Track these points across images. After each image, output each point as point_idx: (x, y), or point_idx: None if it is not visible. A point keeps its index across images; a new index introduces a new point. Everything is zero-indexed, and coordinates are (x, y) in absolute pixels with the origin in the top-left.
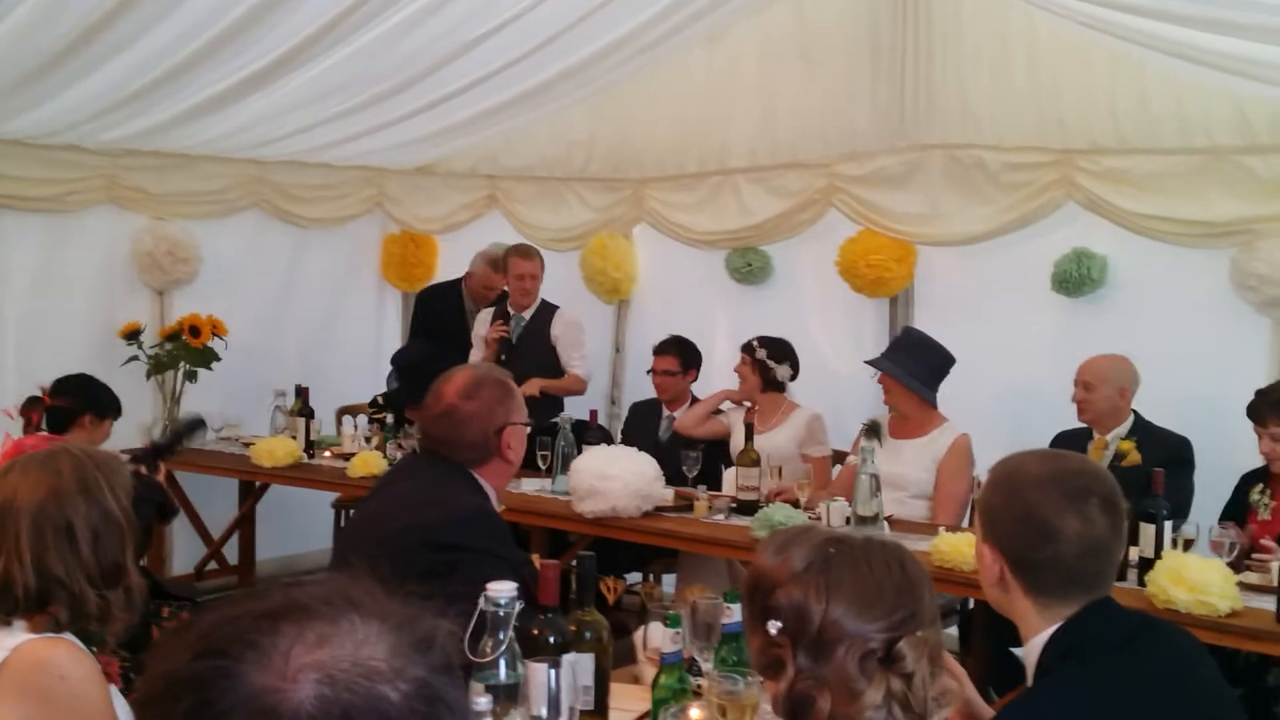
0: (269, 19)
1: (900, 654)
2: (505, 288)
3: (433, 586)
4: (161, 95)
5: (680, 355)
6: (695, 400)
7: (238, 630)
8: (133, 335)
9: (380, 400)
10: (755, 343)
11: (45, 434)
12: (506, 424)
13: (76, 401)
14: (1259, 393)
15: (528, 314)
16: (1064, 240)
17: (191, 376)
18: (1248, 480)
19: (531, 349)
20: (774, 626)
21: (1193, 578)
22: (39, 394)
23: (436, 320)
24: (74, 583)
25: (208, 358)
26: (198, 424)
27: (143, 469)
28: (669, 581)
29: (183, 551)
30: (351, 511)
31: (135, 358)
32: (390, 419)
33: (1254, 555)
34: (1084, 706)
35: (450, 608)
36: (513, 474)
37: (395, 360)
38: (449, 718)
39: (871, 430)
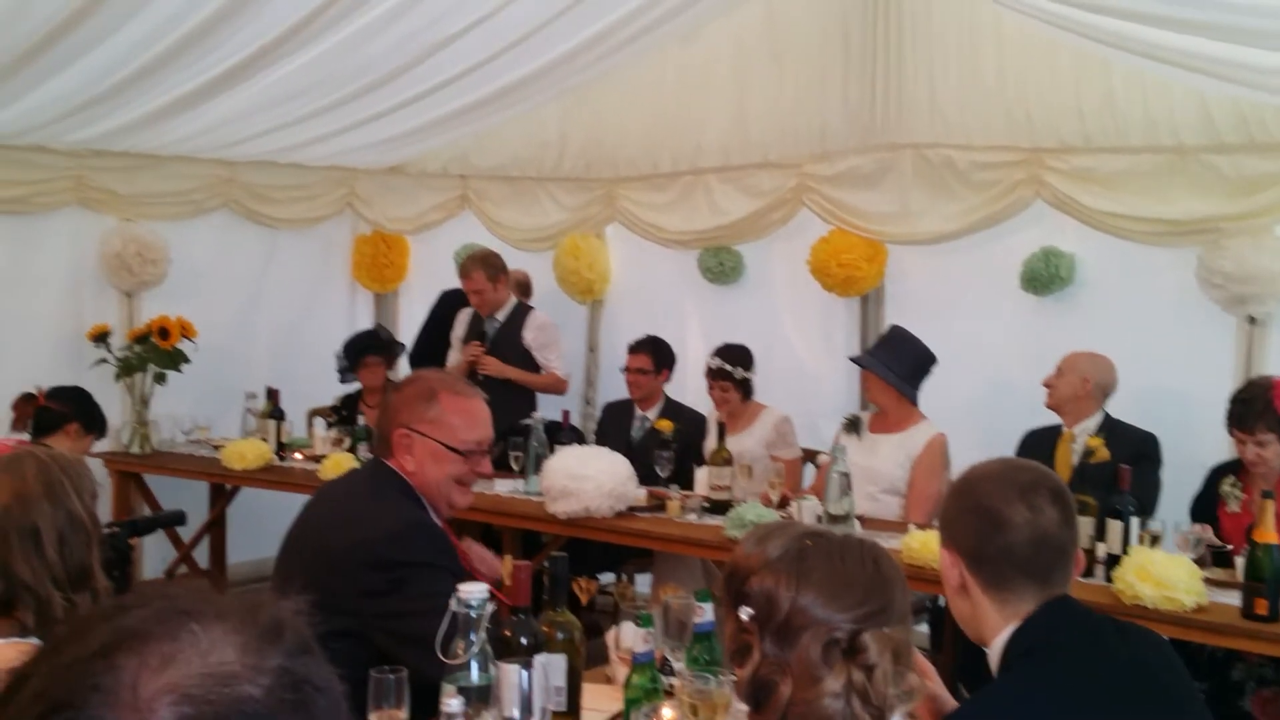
0: (239, 18)
1: (864, 645)
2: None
3: (381, 604)
4: (130, 95)
5: (654, 355)
6: (669, 401)
7: (75, 678)
8: (101, 338)
9: (339, 404)
10: (727, 365)
11: (18, 438)
12: (405, 425)
13: (69, 408)
14: (1240, 400)
15: (501, 315)
16: (1032, 239)
17: (160, 379)
18: (1218, 472)
19: (503, 351)
20: (745, 613)
21: (1159, 573)
22: (34, 392)
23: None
24: (40, 587)
25: (177, 360)
26: (180, 517)
27: (116, 529)
28: (643, 581)
29: (153, 555)
30: None
31: (104, 360)
32: (361, 421)
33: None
34: (1040, 702)
35: (405, 623)
36: (434, 488)
37: (346, 345)
38: (319, 696)
39: (852, 425)
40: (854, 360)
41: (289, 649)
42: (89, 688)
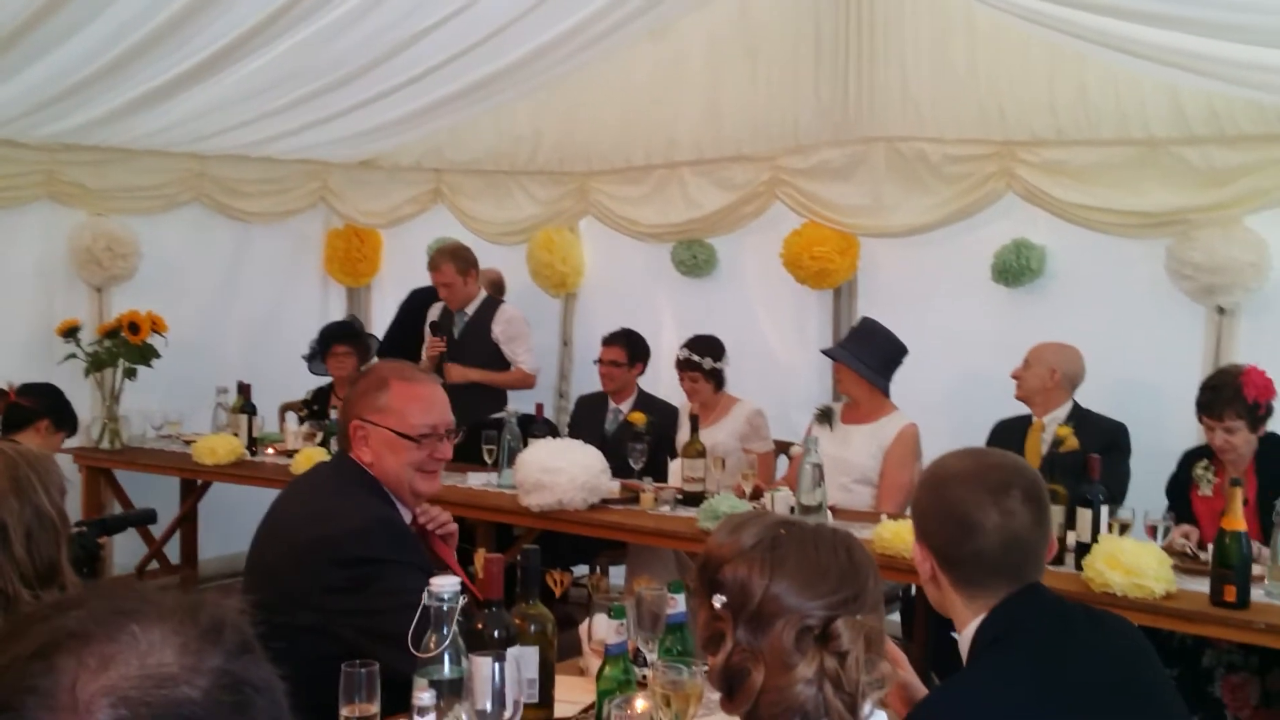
0: (209, 11)
1: (836, 632)
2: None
3: (347, 601)
4: (100, 89)
5: (628, 347)
6: (642, 393)
7: (12, 679)
8: (71, 332)
9: (310, 398)
10: (695, 356)
11: None
12: (358, 417)
13: (40, 404)
14: (1210, 388)
15: (470, 309)
16: (1004, 231)
17: (131, 374)
18: (1191, 456)
19: (472, 345)
20: (718, 600)
21: (1128, 561)
22: (4, 388)
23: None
24: (7, 583)
25: (147, 355)
26: (150, 515)
27: (85, 528)
28: (617, 573)
29: (124, 551)
30: None
31: (73, 355)
32: (333, 414)
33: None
34: (1007, 689)
35: (373, 620)
36: (394, 478)
37: (319, 333)
38: (258, 697)
39: (824, 415)
40: (826, 353)
41: (228, 650)
42: (26, 689)
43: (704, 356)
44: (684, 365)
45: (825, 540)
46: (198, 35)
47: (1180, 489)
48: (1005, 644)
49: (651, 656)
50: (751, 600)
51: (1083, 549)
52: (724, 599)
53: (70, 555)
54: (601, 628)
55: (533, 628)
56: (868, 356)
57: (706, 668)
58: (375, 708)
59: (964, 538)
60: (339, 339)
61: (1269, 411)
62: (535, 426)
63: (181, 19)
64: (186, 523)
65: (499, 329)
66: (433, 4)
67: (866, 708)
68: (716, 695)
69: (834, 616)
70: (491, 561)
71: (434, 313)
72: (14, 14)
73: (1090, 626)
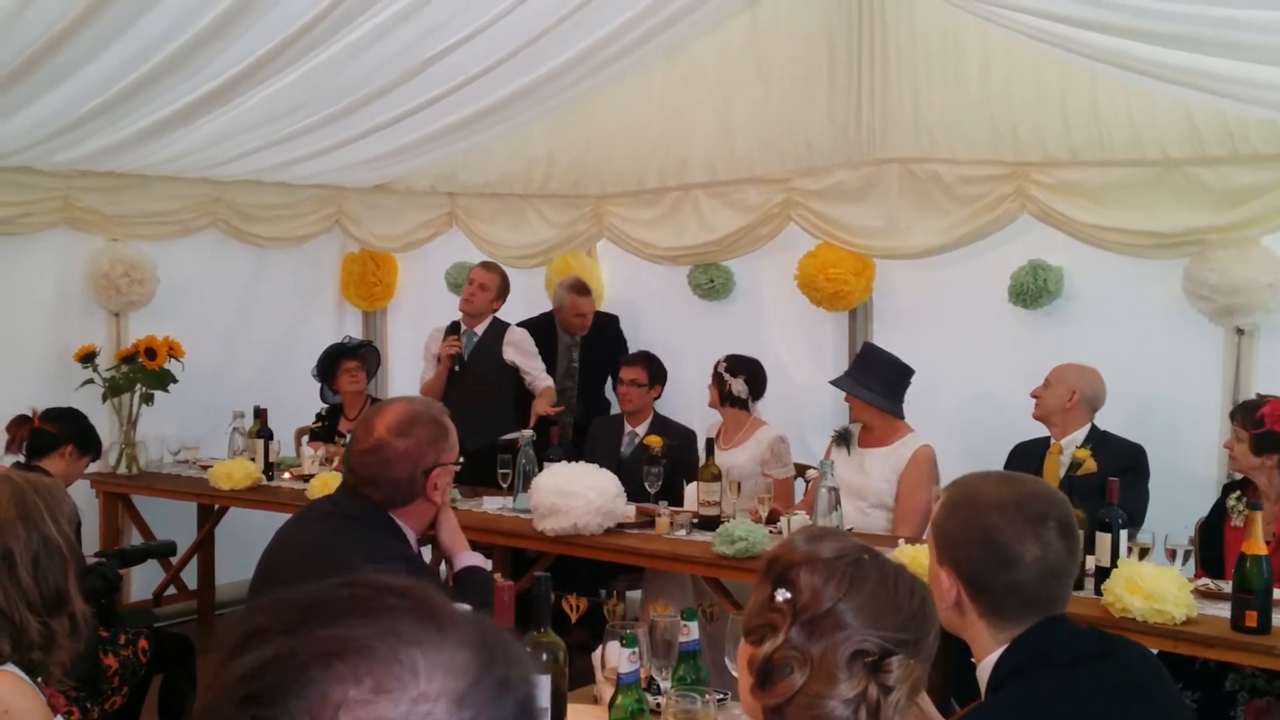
0: (224, 38)
1: (890, 666)
2: (583, 311)
3: None
4: (116, 116)
5: (648, 368)
6: (657, 416)
7: (284, 676)
8: (88, 358)
9: (323, 414)
10: (723, 359)
11: (12, 460)
12: (436, 464)
13: (64, 430)
14: (1245, 400)
15: (479, 330)
16: (1020, 252)
17: (148, 399)
18: (1227, 489)
19: (481, 365)
20: (782, 595)
21: (1148, 586)
22: (28, 414)
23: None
24: (14, 611)
25: (165, 380)
26: (170, 548)
27: (104, 560)
28: (636, 596)
29: (140, 576)
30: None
31: (91, 381)
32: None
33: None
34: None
35: None
36: (434, 514)
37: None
38: None
39: (842, 438)
40: (834, 383)
41: (505, 715)
42: (293, 692)
43: (724, 360)
44: (714, 375)
45: (905, 581)
46: (212, 62)
47: (1216, 521)
48: (1027, 674)
49: (665, 685)
50: (818, 607)
51: (1102, 573)
52: (788, 595)
53: (84, 585)
54: (614, 655)
55: (544, 656)
56: (871, 382)
57: (719, 695)
58: None
59: (1000, 568)
60: (341, 355)
61: (1274, 442)
62: (550, 450)
63: (196, 46)
64: (203, 548)
65: (511, 350)
66: (446, 29)
67: None
68: (732, 676)
69: (892, 651)
70: (502, 589)
71: (436, 337)
72: (30, 41)
73: (1111, 658)
